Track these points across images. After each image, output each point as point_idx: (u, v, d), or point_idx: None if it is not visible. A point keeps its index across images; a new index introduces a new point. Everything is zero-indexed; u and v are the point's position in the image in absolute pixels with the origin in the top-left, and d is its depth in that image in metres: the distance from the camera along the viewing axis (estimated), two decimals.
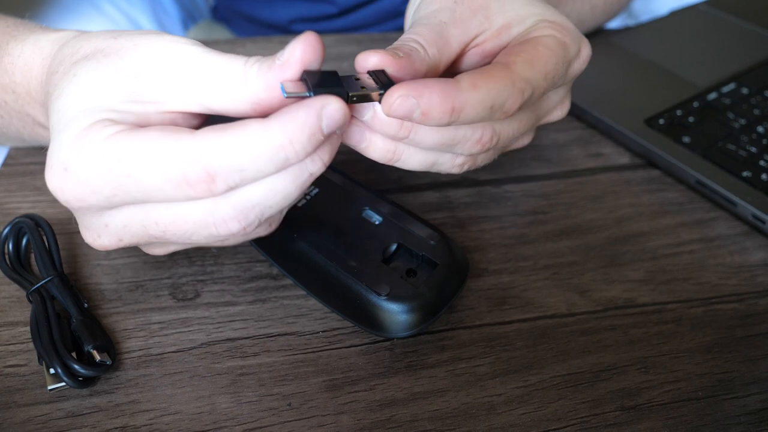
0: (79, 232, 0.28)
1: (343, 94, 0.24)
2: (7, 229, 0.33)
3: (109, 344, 0.30)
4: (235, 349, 0.31)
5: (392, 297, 0.30)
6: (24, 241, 0.34)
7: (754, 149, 0.43)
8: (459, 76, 0.26)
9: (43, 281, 0.31)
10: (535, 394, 0.30)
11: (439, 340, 0.32)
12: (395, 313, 0.30)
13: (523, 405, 0.30)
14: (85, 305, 0.31)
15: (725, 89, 0.49)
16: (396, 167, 0.29)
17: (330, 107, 0.23)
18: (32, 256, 0.34)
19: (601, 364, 0.32)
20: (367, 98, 0.25)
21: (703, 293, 0.36)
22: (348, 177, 0.36)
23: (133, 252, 0.35)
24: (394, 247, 0.33)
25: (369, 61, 0.26)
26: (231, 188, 0.24)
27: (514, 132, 0.30)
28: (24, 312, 0.32)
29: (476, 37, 0.30)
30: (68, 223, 0.36)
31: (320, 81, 0.24)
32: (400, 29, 0.30)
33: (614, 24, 0.61)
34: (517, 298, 0.35)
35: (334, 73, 0.25)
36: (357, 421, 0.29)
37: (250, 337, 0.32)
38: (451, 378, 0.31)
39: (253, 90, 0.24)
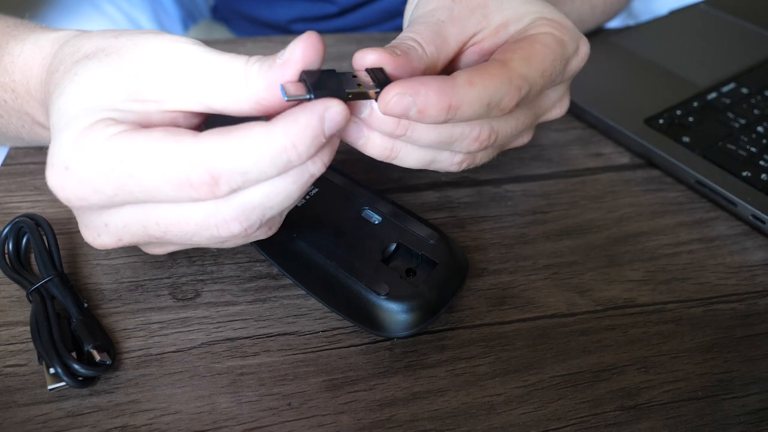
0: (79, 232, 0.28)
1: (342, 94, 0.24)
2: (7, 229, 0.33)
3: (109, 344, 0.30)
4: (235, 349, 0.31)
5: (392, 296, 0.30)
6: (24, 240, 0.33)
7: (754, 149, 0.43)
8: (455, 74, 0.26)
9: (43, 281, 0.31)
10: (535, 394, 0.30)
11: (439, 339, 0.32)
12: (395, 312, 0.30)
13: (523, 405, 0.30)
14: (85, 305, 0.31)
15: (725, 89, 0.49)
16: (395, 166, 0.29)
17: (332, 110, 0.23)
18: (32, 255, 0.34)
19: (601, 364, 0.32)
20: (364, 96, 0.25)
21: (702, 293, 0.36)
22: (347, 177, 0.36)
23: (133, 252, 0.35)
24: (393, 246, 0.33)
25: (367, 58, 0.26)
26: (233, 190, 0.24)
27: (512, 130, 0.30)
28: (24, 312, 0.32)
29: (474, 35, 0.30)
30: (68, 223, 0.36)
31: (319, 81, 0.24)
32: (400, 29, 0.30)
33: (614, 24, 0.61)
34: (517, 297, 0.35)
35: (332, 72, 0.25)
36: (357, 420, 0.29)
37: (250, 337, 0.32)
38: (451, 378, 0.31)
39: (254, 89, 0.24)
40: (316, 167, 0.25)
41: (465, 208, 0.40)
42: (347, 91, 0.25)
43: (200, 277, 0.34)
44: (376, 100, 0.26)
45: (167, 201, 0.24)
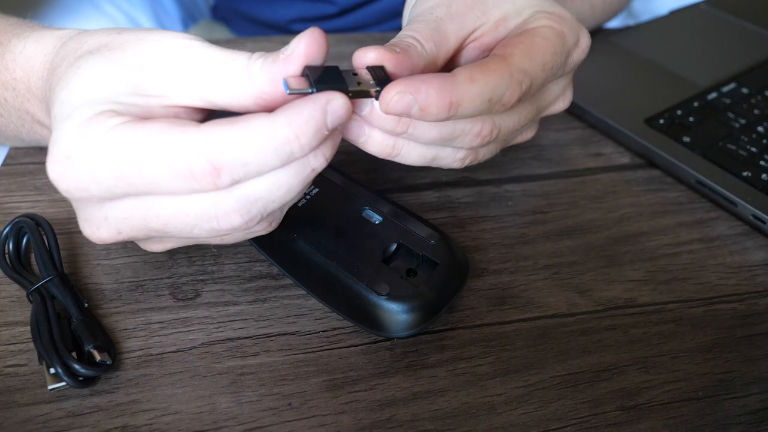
0: (79, 232, 0.28)
1: (345, 89, 0.24)
2: (7, 229, 0.33)
3: (109, 344, 0.30)
4: (235, 349, 0.31)
5: (392, 297, 0.30)
6: (24, 240, 0.33)
7: (754, 149, 0.43)
8: (456, 70, 0.26)
9: (44, 281, 0.31)
10: (535, 394, 0.30)
11: (439, 339, 0.32)
12: (395, 312, 0.30)
13: (523, 405, 0.30)
14: (86, 305, 0.31)
15: (725, 89, 0.49)
16: (396, 164, 0.29)
17: (334, 103, 0.23)
18: (32, 255, 0.34)
19: (601, 364, 0.32)
20: (365, 94, 0.25)
21: (703, 293, 0.36)
22: (348, 176, 0.36)
23: (133, 252, 0.35)
24: (394, 246, 0.33)
25: (366, 56, 0.26)
26: (235, 182, 0.24)
27: (514, 124, 0.30)
28: (24, 312, 0.32)
29: (474, 31, 0.30)
30: (68, 223, 0.36)
31: (322, 76, 0.24)
32: (400, 29, 0.30)
33: (614, 23, 0.61)
34: (517, 297, 0.35)
35: (335, 69, 0.25)
36: (357, 420, 0.29)
37: (250, 337, 0.32)
38: (452, 378, 0.31)
39: (257, 84, 0.24)
40: (318, 161, 0.25)
41: (465, 208, 0.40)
42: (349, 89, 0.25)
43: (200, 277, 0.34)
44: (377, 98, 0.26)
45: (168, 192, 0.24)
